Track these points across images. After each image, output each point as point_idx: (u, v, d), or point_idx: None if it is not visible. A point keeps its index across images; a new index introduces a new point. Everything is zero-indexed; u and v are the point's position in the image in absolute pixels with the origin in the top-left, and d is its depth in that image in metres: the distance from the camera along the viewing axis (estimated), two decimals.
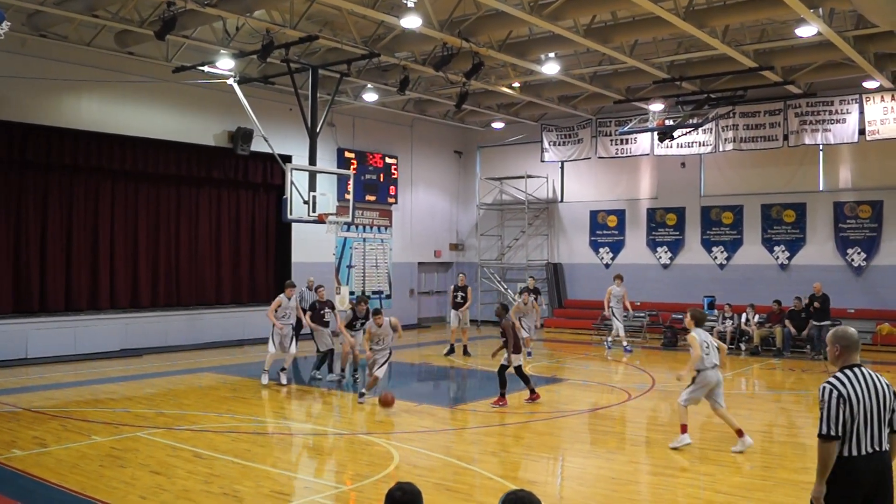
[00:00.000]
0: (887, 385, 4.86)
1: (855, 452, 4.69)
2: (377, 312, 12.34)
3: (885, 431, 4.79)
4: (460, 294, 18.31)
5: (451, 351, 18.18)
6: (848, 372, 4.80)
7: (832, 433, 4.67)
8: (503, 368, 12.18)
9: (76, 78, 16.80)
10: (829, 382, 4.76)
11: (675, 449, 9.45)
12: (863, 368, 4.84)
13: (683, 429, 9.60)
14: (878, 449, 4.75)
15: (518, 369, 12.23)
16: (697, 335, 9.55)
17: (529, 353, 18.62)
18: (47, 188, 17.57)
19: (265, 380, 13.99)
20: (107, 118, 17.80)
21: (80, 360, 16.54)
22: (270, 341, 14.10)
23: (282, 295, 14.33)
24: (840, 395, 4.69)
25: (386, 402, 11.47)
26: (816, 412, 4.94)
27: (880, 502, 4.76)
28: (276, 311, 14.07)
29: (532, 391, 12.37)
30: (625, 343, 19.24)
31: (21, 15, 14.90)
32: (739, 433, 9.39)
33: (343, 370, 14.47)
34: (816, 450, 4.77)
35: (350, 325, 13.98)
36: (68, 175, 17.93)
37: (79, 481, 7.88)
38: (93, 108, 17.59)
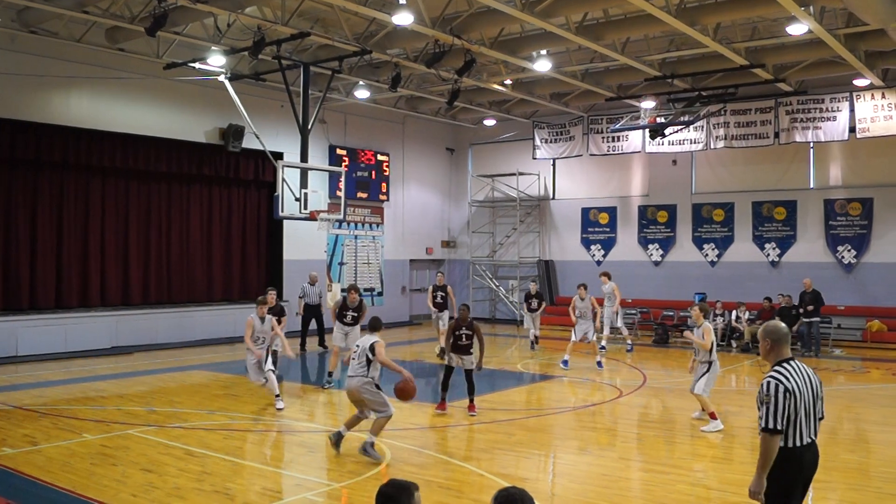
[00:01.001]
0: (816, 376, 4.97)
1: (799, 443, 4.77)
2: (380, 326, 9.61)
3: (817, 421, 4.92)
4: (440, 294, 17.65)
5: (444, 352, 18.12)
6: (787, 365, 4.85)
7: (778, 427, 4.71)
8: (469, 373, 11.65)
9: (66, 74, 16.72)
10: (772, 377, 4.78)
11: (705, 432, 10.17)
12: (796, 361, 4.92)
13: (714, 415, 10.36)
14: (814, 438, 4.88)
15: (470, 373, 11.66)
16: (711, 326, 10.66)
17: (533, 345, 18.81)
18: (37, 185, 17.48)
19: (280, 405, 11.71)
20: (97, 115, 17.72)
21: (71, 357, 16.49)
22: (249, 370, 11.98)
23: (252, 315, 11.88)
24: (786, 389, 4.73)
25: (406, 394, 9.54)
26: None
27: (806, 487, 4.94)
28: (250, 335, 11.73)
29: (471, 401, 11.61)
30: (623, 342, 19.10)
31: (10, 11, 14.82)
32: (712, 416, 10.39)
33: (330, 374, 13.63)
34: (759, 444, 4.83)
35: (340, 316, 13.63)
36: (58, 172, 17.83)
37: (70, 479, 7.86)
38: (83, 105, 17.50)
